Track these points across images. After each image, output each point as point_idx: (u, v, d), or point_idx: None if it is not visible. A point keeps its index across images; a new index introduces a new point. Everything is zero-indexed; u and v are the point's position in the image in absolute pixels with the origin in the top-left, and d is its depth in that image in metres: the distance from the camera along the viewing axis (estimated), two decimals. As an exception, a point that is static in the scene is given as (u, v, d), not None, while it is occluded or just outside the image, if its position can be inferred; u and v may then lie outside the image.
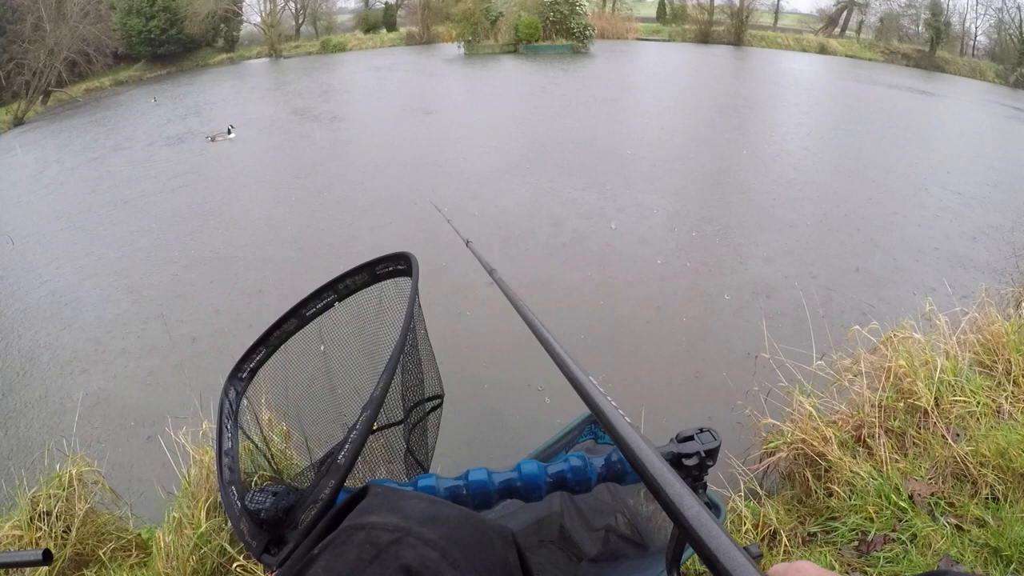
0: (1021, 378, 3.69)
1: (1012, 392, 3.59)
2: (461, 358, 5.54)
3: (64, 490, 3.31)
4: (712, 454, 1.01)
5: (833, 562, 2.71)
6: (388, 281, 1.44)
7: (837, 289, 6.69)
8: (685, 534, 0.67)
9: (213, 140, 14.99)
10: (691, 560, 2.69)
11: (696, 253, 7.92)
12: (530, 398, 4.87)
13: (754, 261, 7.61)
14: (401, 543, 0.70)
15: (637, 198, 9.93)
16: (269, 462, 1.43)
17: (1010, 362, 3.76)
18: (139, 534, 3.51)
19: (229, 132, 15.13)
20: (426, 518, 0.75)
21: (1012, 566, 2.63)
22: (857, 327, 3.99)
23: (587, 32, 29.71)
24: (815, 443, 3.25)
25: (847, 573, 2.67)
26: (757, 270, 7.33)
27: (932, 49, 30.14)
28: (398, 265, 1.41)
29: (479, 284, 6.64)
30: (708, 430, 1.03)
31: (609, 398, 0.99)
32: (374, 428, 1.23)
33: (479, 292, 6.61)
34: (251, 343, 1.38)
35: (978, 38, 30.96)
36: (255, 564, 2.84)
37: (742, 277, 7.17)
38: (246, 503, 1.02)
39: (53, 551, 3.01)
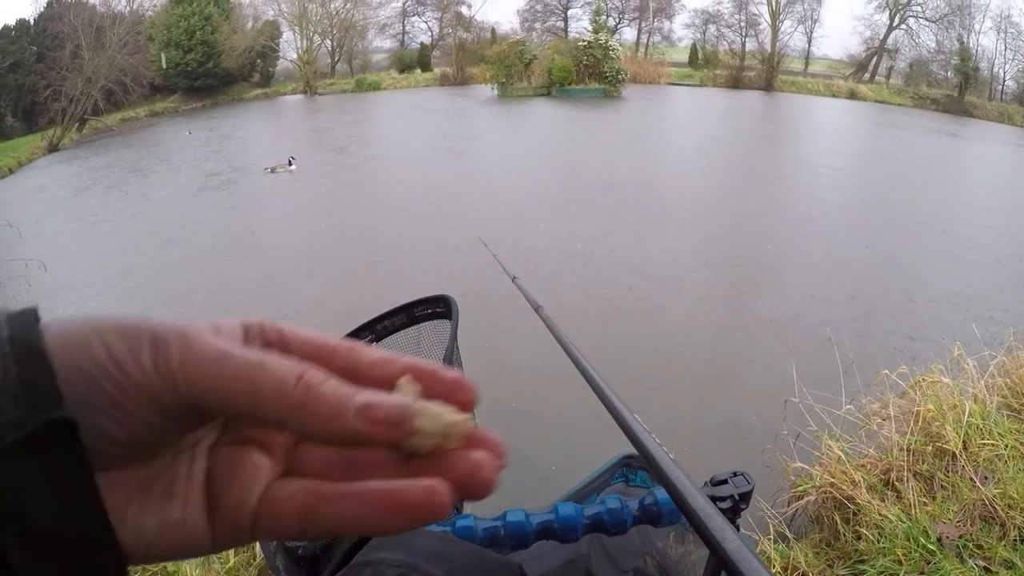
0: (1050, 421, 3.70)
1: (1041, 436, 3.60)
2: (497, 396, 5.57)
3: None
4: (745, 497, 1.08)
5: (862, 604, 2.74)
6: (427, 323, 1.46)
7: (865, 333, 6.70)
8: (727, 570, 0.67)
9: (273, 171, 14.82)
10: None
11: (722, 298, 7.95)
12: (565, 437, 4.90)
13: (781, 307, 7.62)
14: None
15: (664, 240, 9.98)
16: None
17: (1038, 405, 3.78)
18: (165, 566, 3.47)
19: (290, 164, 14.95)
20: (433, 554, 0.77)
21: (1041, 609, 2.65)
22: (886, 371, 4.03)
23: (619, 76, 29.82)
24: (844, 487, 3.28)
25: None
26: (784, 315, 7.34)
27: (961, 94, 30.04)
28: (437, 308, 1.44)
29: (516, 322, 6.67)
30: (742, 474, 1.11)
31: (654, 436, 0.98)
32: None
33: (515, 330, 6.64)
34: None
35: (1007, 83, 30.87)
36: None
37: (768, 322, 7.19)
38: (284, 541, 1.03)
39: None
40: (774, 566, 2.99)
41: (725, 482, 1.09)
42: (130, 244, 10.65)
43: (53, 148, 21.82)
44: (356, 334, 1.44)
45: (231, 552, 3.01)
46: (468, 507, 1.51)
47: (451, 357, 1.26)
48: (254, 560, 3.02)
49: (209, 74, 32.07)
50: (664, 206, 11.92)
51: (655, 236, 10.20)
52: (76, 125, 24.68)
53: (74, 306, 8.28)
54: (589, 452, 3.15)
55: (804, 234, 10.50)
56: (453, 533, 1.10)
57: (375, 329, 1.46)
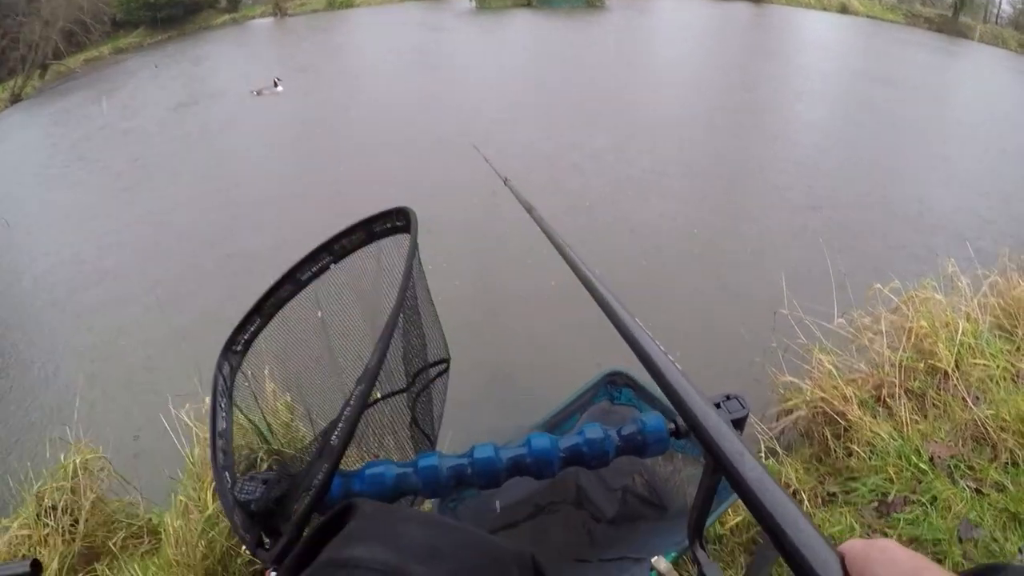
0: (1042, 344, 3.67)
1: (1032, 358, 3.57)
2: (483, 310, 5.48)
3: (69, 481, 3.20)
4: (740, 423, 0.94)
5: (854, 523, 2.72)
6: (387, 239, 1.36)
7: (859, 247, 6.64)
8: (746, 498, 0.63)
9: (259, 94, 14.47)
10: (710, 527, 2.69)
11: (712, 207, 7.84)
12: (552, 352, 4.83)
13: (775, 216, 7.54)
14: None
15: (648, 150, 9.81)
16: (268, 441, 1.37)
17: (1031, 327, 3.74)
18: (149, 519, 3.40)
19: (276, 85, 14.58)
20: (425, 552, 0.62)
21: (1031, 532, 2.64)
22: (878, 286, 3.96)
23: (602, -14, 28.91)
24: (835, 402, 3.24)
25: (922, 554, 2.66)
26: (778, 224, 7.26)
27: (955, 14, 29.49)
28: (396, 221, 1.33)
29: (504, 233, 6.52)
30: (736, 397, 0.97)
31: (658, 343, 0.95)
32: (374, 400, 1.17)
33: (502, 241, 6.51)
34: (245, 313, 1.30)
35: (1002, 6, 30.33)
36: (252, 555, 2.75)
37: (761, 231, 7.11)
38: (235, 493, 0.96)
39: (61, 547, 2.96)
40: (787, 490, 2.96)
41: (718, 406, 0.95)
42: (102, 184, 10.43)
43: (16, 99, 21.04)
44: (314, 256, 1.35)
45: (209, 499, 2.90)
46: (440, 443, 1.40)
47: (411, 272, 1.13)
48: None
49: (173, 3, 30.45)
50: (648, 117, 11.71)
51: (639, 146, 10.03)
52: (38, 72, 23.73)
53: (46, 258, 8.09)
54: (577, 370, 3.08)
55: (794, 146, 10.38)
56: (415, 473, 1.02)
57: (333, 249, 1.36)
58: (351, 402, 0.94)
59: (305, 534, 0.75)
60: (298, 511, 0.90)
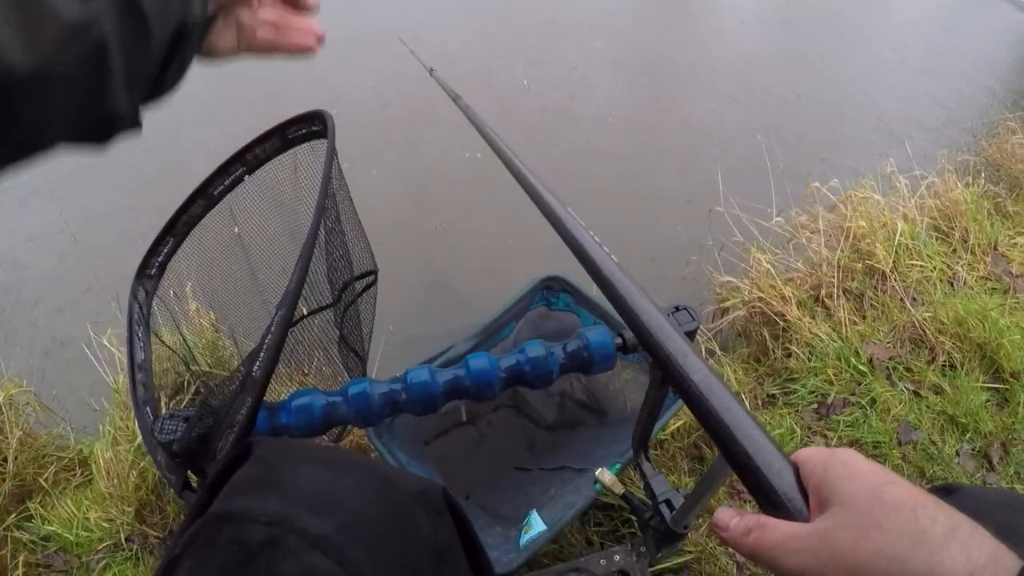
0: (976, 247, 3.67)
1: (968, 261, 3.58)
2: (408, 212, 5.27)
3: None
4: (691, 335, 0.95)
5: (794, 425, 2.67)
6: (303, 145, 1.27)
7: (796, 146, 6.60)
8: (692, 404, 0.63)
9: None
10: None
11: (644, 101, 7.69)
12: (480, 259, 4.67)
13: (709, 112, 7.43)
14: (278, 545, 0.51)
15: (576, 41, 9.57)
16: (194, 364, 1.26)
17: (967, 230, 3.74)
18: (80, 450, 3.14)
19: None
20: (319, 499, 0.56)
21: (967, 435, 2.64)
22: (816, 184, 3.88)
23: None
24: (773, 301, 3.16)
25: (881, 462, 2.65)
26: (712, 118, 7.16)
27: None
28: (312, 126, 1.23)
29: (431, 126, 6.28)
30: (686, 308, 0.99)
31: (606, 248, 0.89)
32: (299, 317, 1.09)
33: (430, 135, 6.27)
34: (156, 234, 1.22)
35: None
36: (178, 497, 2.65)
37: (696, 126, 7.00)
38: (156, 434, 0.89)
39: None
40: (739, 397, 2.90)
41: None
42: None
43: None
44: (226, 168, 1.27)
45: (136, 429, 2.66)
46: (371, 362, 1.31)
47: (329, 180, 1.04)
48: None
49: None
50: (577, 10, 11.43)
51: (565, 37, 9.77)
52: None
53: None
54: (511, 274, 2.94)
55: (731, 45, 10.23)
56: (345, 402, 0.95)
57: (245, 160, 1.27)
58: (272, 329, 0.86)
59: (204, 481, 0.67)
60: (223, 449, 0.85)
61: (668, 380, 0.66)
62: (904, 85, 9.18)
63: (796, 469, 0.52)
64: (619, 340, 1.02)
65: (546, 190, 1.07)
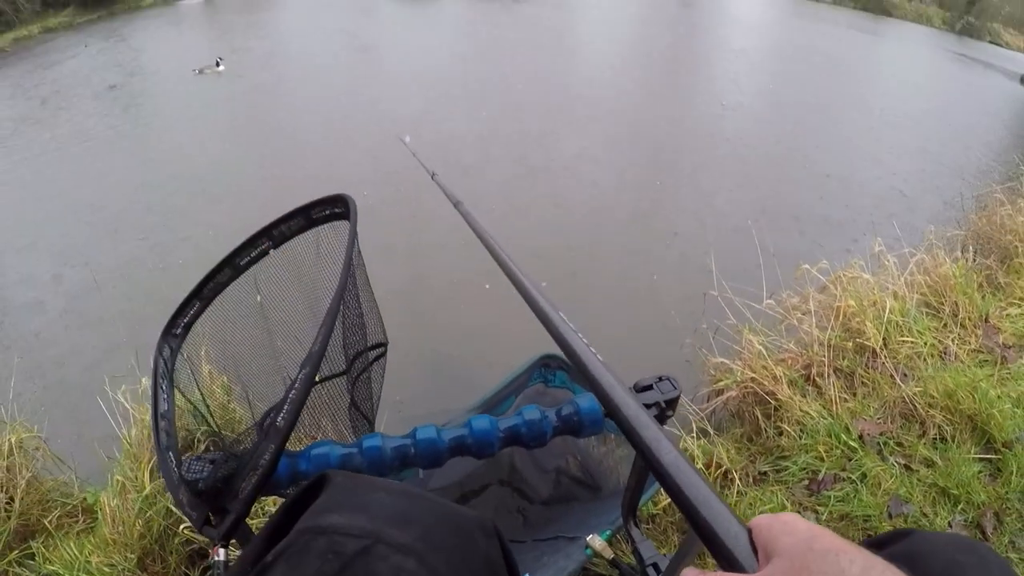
0: (967, 321, 3.73)
1: (958, 334, 3.63)
2: (414, 301, 5.42)
3: (5, 460, 3.12)
4: (672, 404, 0.98)
5: (785, 501, 2.70)
6: (325, 225, 1.37)
7: (786, 228, 6.71)
8: (663, 482, 0.67)
9: (200, 72, 13.95)
10: (643, 505, 2.67)
11: (640, 189, 7.86)
12: (485, 341, 4.79)
13: (702, 198, 7.59)
14: (370, 553, 0.61)
15: (578, 133, 9.82)
16: (208, 422, 1.36)
17: (957, 304, 3.81)
18: (84, 498, 3.27)
19: (218, 65, 14.00)
20: (397, 517, 0.66)
21: (960, 506, 2.66)
22: (806, 266, 3.97)
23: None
24: (765, 382, 3.23)
25: (815, 518, 2.67)
26: (705, 207, 7.31)
27: (880, -7, 30.37)
28: (335, 208, 1.34)
29: (433, 224, 6.47)
30: (668, 378, 1.00)
31: (580, 335, 0.97)
32: (316, 380, 1.14)
33: (433, 231, 6.46)
34: (184, 297, 1.31)
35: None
36: (198, 532, 2.71)
37: (689, 214, 7.15)
38: (183, 472, 0.96)
39: None
40: (697, 463, 2.94)
41: (650, 388, 0.99)
42: (30, 164, 10.02)
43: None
44: (253, 241, 1.37)
45: (146, 479, 2.85)
46: (378, 422, 1.39)
47: (351, 259, 1.15)
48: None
49: None
50: (578, 100, 11.72)
51: (569, 129, 10.03)
52: None
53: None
54: (510, 356, 3.05)
55: (721, 129, 10.47)
56: (360, 454, 1.02)
57: (272, 235, 1.37)
58: (297, 384, 0.94)
59: (280, 505, 0.75)
60: (245, 490, 0.91)
61: (645, 463, 0.71)
62: (890, 165, 9.33)
63: (749, 532, 0.59)
64: (604, 407, 1.10)
65: (532, 285, 1.14)
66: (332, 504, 0.67)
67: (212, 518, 0.92)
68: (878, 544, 0.86)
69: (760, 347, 3.42)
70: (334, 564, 0.60)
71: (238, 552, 0.85)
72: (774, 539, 0.55)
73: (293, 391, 0.93)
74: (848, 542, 0.52)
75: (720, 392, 3.42)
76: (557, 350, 2.39)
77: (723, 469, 2.89)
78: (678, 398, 0.98)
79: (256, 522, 2.28)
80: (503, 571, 0.75)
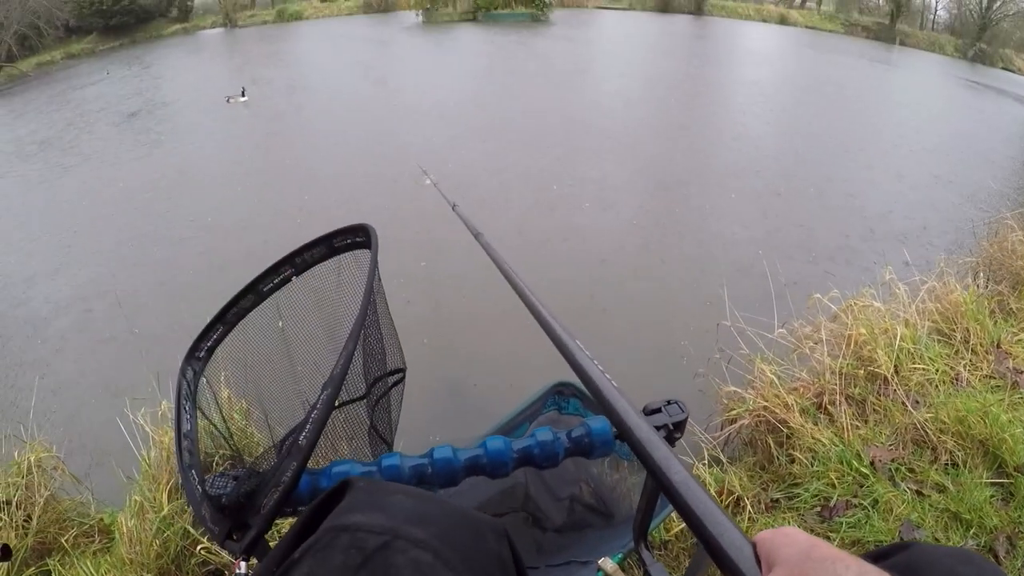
0: (978, 347, 3.74)
1: (970, 360, 3.64)
2: (434, 328, 5.49)
3: (23, 478, 3.19)
4: (680, 426, 1.01)
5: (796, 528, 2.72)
6: (347, 254, 1.40)
7: (798, 258, 6.73)
8: (672, 500, 0.70)
9: (229, 101, 14.54)
10: (655, 531, 2.70)
11: (655, 220, 7.92)
12: (502, 368, 4.84)
13: (715, 229, 7.62)
14: (390, 547, 0.66)
15: (594, 165, 9.90)
16: (228, 443, 1.40)
17: (968, 331, 3.81)
18: (101, 519, 3.35)
19: (242, 95, 14.61)
20: (415, 516, 0.71)
21: (971, 531, 2.67)
22: (818, 295, 4.00)
23: (547, 0, 29.38)
24: (777, 410, 3.25)
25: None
26: (718, 238, 7.34)
27: (892, 22, 30.40)
28: (356, 237, 1.37)
29: (453, 252, 6.56)
30: (676, 402, 1.03)
31: (596, 362, 1.03)
32: (336, 404, 1.19)
33: (452, 260, 6.54)
34: (208, 321, 1.33)
35: (938, 12, 31.41)
36: (219, 547, 2.77)
37: (703, 245, 7.18)
38: (207, 488, 0.99)
39: (15, 541, 2.93)
40: (709, 490, 2.97)
41: (659, 411, 1.02)
42: (55, 193, 10.24)
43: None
44: (276, 268, 1.40)
45: (164, 500, 2.92)
46: (396, 444, 1.43)
47: (372, 287, 1.19)
48: (188, 507, 2.91)
49: (125, 11, 30.55)
50: (594, 133, 11.82)
51: (585, 162, 10.11)
52: None
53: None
54: (526, 382, 3.10)
55: (734, 160, 10.52)
56: (379, 472, 1.05)
57: (295, 262, 1.40)
58: (319, 405, 0.99)
59: (306, 508, 0.80)
60: (267, 505, 0.94)
61: (656, 482, 0.75)
62: (902, 194, 9.32)
63: (754, 546, 0.62)
64: (616, 429, 1.08)
65: (548, 313, 1.20)
66: (355, 505, 0.72)
67: (234, 533, 0.95)
68: (879, 556, 0.88)
69: (772, 376, 3.45)
70: (356, 558, 0.64)
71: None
72: (775, 550, 0.59)
73: (315, 411, 0.98)
74: (845, 552, 0.55)
75: (733, 421, 3.45)
76: (571, 377, 2.45)
77: (735, 496, 2.92)
78: (686, 420, 1.01)
79: (274, 541, 2.32)
80: (513, 572, 0.78)
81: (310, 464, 1.00)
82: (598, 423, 1.12)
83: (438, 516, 0.73)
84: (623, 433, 0.87)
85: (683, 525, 2.67)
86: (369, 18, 31.72)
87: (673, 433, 1.00)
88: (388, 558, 0.65)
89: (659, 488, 0.75)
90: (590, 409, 2.61)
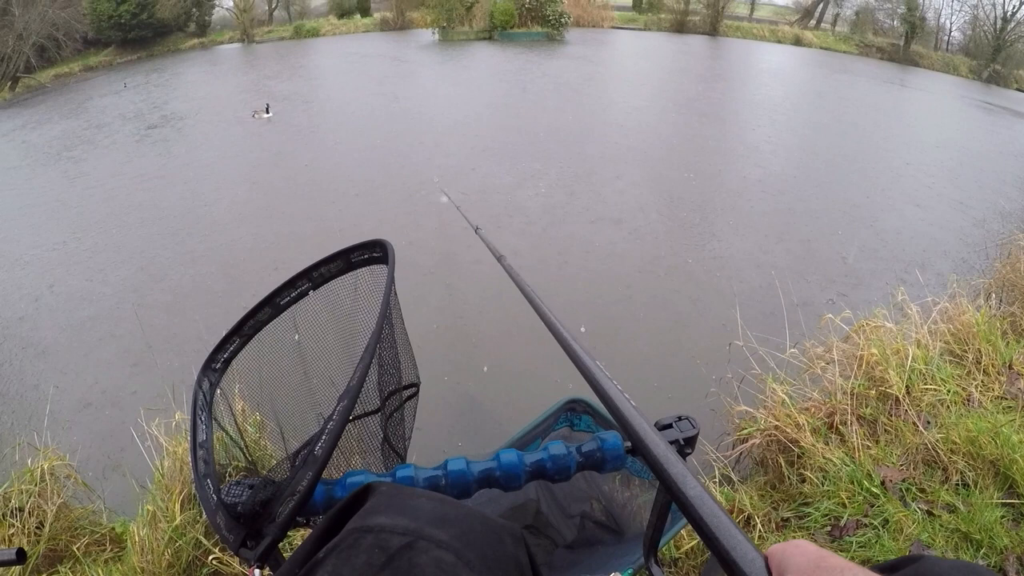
0: (990, 367, 3.74)
1: (982, 381, 3.64)
2: (452, 345, 5.54)
3: (36, 485, 3.22)
4: (691, 442, 1.02)
5: (807, 547, 2.73)
6: (363, 269, 1.43)
7: (810, 278, 6.74)
8: (687, 514, 0.71)
9: (255, 116, 14.71)
10: (666, 549, 2.72)
11: (669, 240, 7.94)
12: (511, 384, 4.88)
13: (728, 249, 7.64)
14: (413, 547, 0.68)
15: (609, 186, 9.93)
16: (244, 453, 1.42)
17: (980, 351, 3.81)
18: (113, 528, 3.40)
19: (267, 111, 14.73)
20: (437, 518, 0.73)
21: (982, 551, 2.67)
22: (830, 316, 4.02)
23: (563, 19, 29.45)
24: (788, 430, 3.27)
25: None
26: (731, 258, 7.36)
27: (907, 43, 30.39)
28: (373, 252, 1.40)
29: (474, 271, 6.63)
30: (687, 418, 1.04)
31: (615, 382, 1.04)
32: (351, 418, 1.21)
33: (472, 279, 6.60)
34: (225, 333, 1.36)
35: (952, 34, 31.37)
36: (231, 556, 2.79)
37: (715, 265, 7.20)
38: (222, 496, 1.01)
39: (27, 547, 2.98)
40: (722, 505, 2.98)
41: (670, 426, 1.03)
42: (77, 203, 10.38)
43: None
44: (293, 282, 1.42)
45: (177, 509, 2.96)
46: (410, 456, 1.45)
47: (388, 302, 1.21)
48: (200, 517, 2.96)
49: (143, 25, 30.85)
50: (609, 151, 11.86)
51: (600, 181, 10.15)
52: (8, 84, 24.01)
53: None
54: (541, 399, 3.12)
55: (748, 180, 10.53)
56: (393, 481, 1.05)
57: (312, 277, 1.43)
58: (335, 416, 1.01)
59: (329, 511, 0.82)
60: (282, 514, 0.95)
61: (672, 497, 0.75)
62: (915, 215, 9.31)
63: (766, 558, 0.63)
64: (627, 444, 1.12)
65: (565, 330, 1.22)
66: (378, 508, 0.75)
67: (248, 541, 0.96)
68: (889, 568, 0.88)
69: (784, 396, 3.47)
70: (380, 557, 0.67)
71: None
72: (786, 560, 0.60)
73: (331, 423, 1.00)
74: (855, 563, 0.57)
75: (744, 440, 3.47)
76: (582, 394, 2.47)
77: (745, 515, 2.93)
78: (696, 436, 1.03)
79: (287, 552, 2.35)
80: (530, 573, 0.80)
81: (325, 475, 1.02)
82: (610, 437, 1.14)
83: (459, 519, 0.75)
84: (639, 448, 0.88)
85: (694, 543, 2.70)
86: (385, 36, 31.93)
87: (684, 448, 1.00)
88: (411, 558, 0.67)
89: (675, 503, 0.76)
90: (602, 426, 2.64)
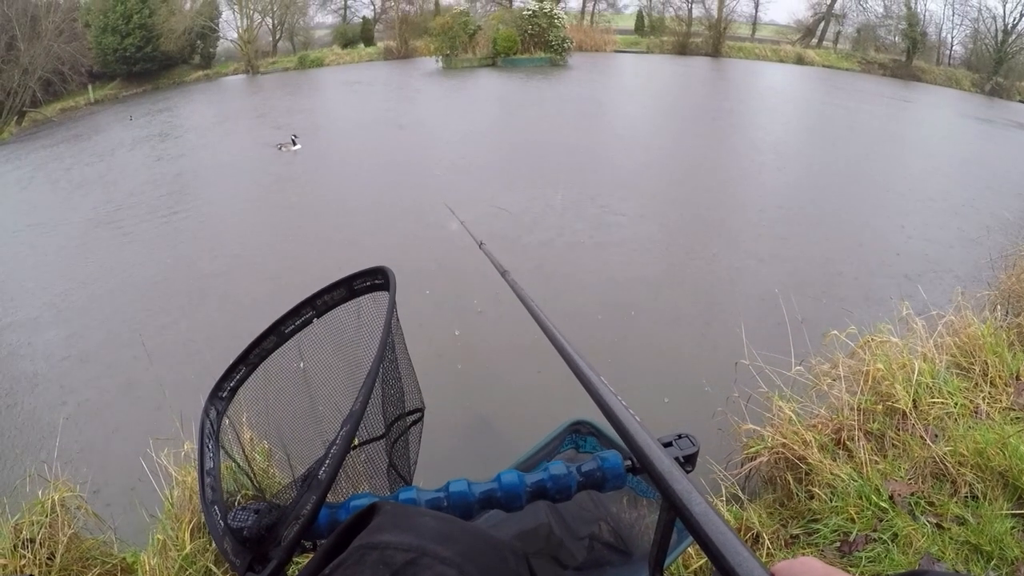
0: (997, 379, 3.73)
1: (989, 393, 3.63)
2: (455, 365, 5.55)
3: (47, 516, 3.23)
4: (691, 459, 1.04)
5: (815, 563, 2.73)
6: (366, 296, 1.44)
7: (814, 295, 6.74)
8: (693, 531, 0.71)
9: (280, 149, 14.80)
10: (675, 568, 2.72)
11: (673, 258, 7.96)
12: (524, 404, 4.89)
13: (733, 267, 7.65)
14: (417, 564, 0.69)
15: (613, 206, 9.97)
16: (252, 480, 1.43)
17: (987, 363, 3.81)
18: (124, 558, 3.38)
19: (294, 143, 14.83)
20: (440, 536, 0.74)
21: (992, 562, 2.66)
22: (835, 332, 4.03)
23: (565, 45, 29.77)
24: (795, 447, 3.27)
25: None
26: (737, 276, 7.37)
27: (909, 59, 30.51)
28: (375, 280, 1.41)
29: (477, 290, 6.66)
30: (687, 436, 1.06)
31: (620, 398, 1.04)
32: (356, 444, 1.22)
33: (476, 298, 6.63)
34: (231, 362, 1.37)
35: (954, 48, 31.48)
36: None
37: (721, 282, 7.21)
38: (228, 522, 1.03)
39: None
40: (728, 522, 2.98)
41: (670, 444, 1.05)
42: (84, 238, 10.50)
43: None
44: (297, 311, 1.44)
45: (187, 538, 2.98)
46: (416, 479, 1.46)
47: (390, 328, 1.22)
48: (210, 545, 2.97)
49: (148, 58, 31.37)
50: (613, 173, 11.93)
51: (605, 201, 10.19)
52: (15, 118, 24.37)
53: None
54: (548, 419, 3.14)
55: (751, 197, 10.59)
56: None
57: (315, 305, 1.45)
58: (338, 441, 1.02)
59: (336, 529, 0.82)
60: (287, 537, 0.97)
61: (677, 514, 0.76)
62: (919, 229, 9.30)
63: None
64: (628, 462, 1.13)
65: (571, 347, 1.21)
66: (383, 525, 0.76)
67: (254, 565, 0.97)
68: None
69: (790, 413, 3.47)
70: (385, 573, 0.68)
71: None
72: None
73: (335, 447, 1.02)
74: None
75: (752, 458, 3.46)
76: (587, 415, 2.48)
77: (754, 532, 2.93)
78: (696, 454, 1.04)
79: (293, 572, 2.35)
80: None
81: (329, 499, 1.03)
82: (611, 456, 1.15)
83: (462, 536, 0.76)
84: (644, 463, 0.88)
85: (702, 561, 2.69)
86: (389, 64, 32.22)
87: (684, 466, 1.01)
88: (415, 573, 0.68)
89: (680, 519, 0.77)
90: (606, 447, 2.64)
